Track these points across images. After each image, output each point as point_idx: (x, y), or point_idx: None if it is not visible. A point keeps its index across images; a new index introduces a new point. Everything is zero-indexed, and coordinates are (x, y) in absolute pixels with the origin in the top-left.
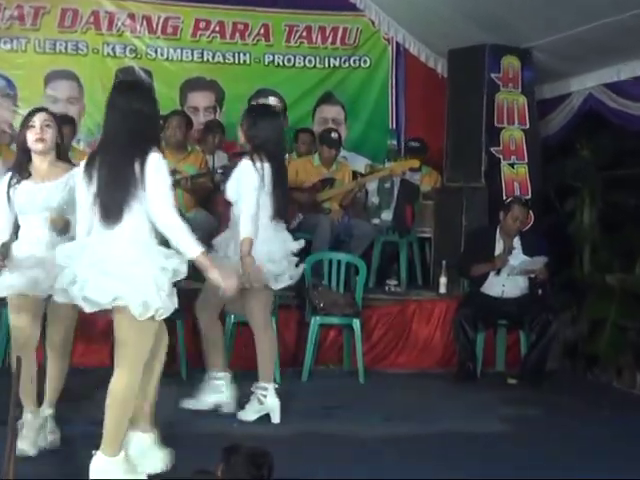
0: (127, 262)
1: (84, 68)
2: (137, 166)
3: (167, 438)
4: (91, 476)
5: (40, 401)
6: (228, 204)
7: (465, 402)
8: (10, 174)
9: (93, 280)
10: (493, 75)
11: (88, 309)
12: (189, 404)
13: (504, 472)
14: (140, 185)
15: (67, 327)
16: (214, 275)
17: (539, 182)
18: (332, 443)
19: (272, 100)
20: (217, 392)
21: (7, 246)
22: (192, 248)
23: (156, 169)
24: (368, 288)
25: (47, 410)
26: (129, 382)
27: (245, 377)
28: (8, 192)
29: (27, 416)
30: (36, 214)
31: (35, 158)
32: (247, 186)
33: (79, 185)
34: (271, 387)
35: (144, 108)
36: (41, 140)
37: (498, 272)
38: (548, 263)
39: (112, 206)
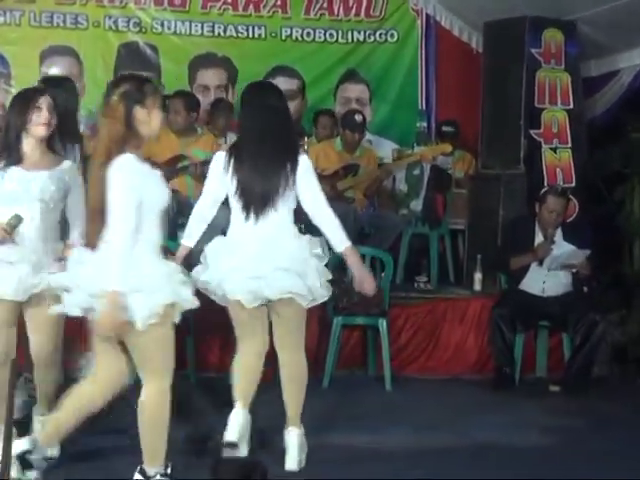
0: (298, 256)
1: (84, 43)
2: (289, 166)
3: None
4: None
5: None
6: None
7: (502, 412)
8: None
9: (271, 276)
10: (533, 50)
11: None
12: None
13: None
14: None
15: (55, 333)
16: (360, 272)
17: (584, 168)
18: (355, 456)
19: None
20: None
21: (19, 219)
22: (344, 241)
23: (307, 170)
24: (395, 285)
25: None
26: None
27: None
28: None
29: None
30: (27, 205)
31: (29, 143)
32: None
33: (214, 175)
34: None
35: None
36: (47, 125)
37: (540, 263)
38: (591, 257)
39: (265, 203)
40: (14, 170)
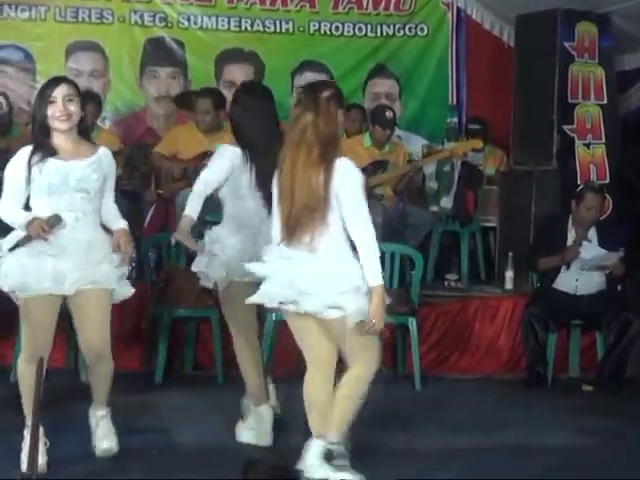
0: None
1: (109, 39)
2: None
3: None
4: None
5: None
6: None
7: (535, 411)
8: (30, 151)
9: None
10: (566, 44)
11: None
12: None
13: None
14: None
15: (106, 326)
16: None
17: (618, 164)
18: (385, 456)
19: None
20: None
21: (59, 219)
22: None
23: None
24: (425, 283)
25: (99, 411)
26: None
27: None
28: (29, 171)
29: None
30: (67, 196)
31: (58, 137)
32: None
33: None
34: None
35: None
36: (66, 117)
37: (568, 266)
38: (625, 255)
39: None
40: (51, 162)
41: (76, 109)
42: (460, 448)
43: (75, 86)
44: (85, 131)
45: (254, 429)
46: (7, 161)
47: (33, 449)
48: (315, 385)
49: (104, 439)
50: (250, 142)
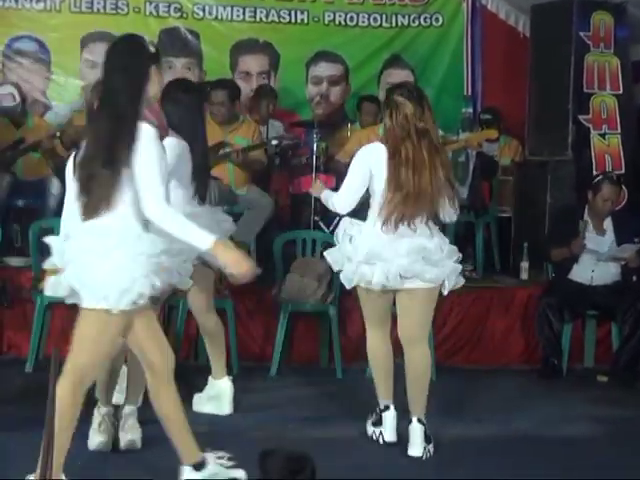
0: None
1: (124, 29)
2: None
3: (212, 437)
4: None
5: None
6: (285, 180)
7: (549, 402)
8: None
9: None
10: (582, 34)
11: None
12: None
13: None
14: None
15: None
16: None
17: (634, 155)
18: (400, 446)
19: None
20: None
21: None
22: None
23: None
24: None
25: (128, 408)
26: None
27: None
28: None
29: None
30: None
31: None
32: None
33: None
34: None
35: None
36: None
37: (576, 260)
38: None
39: None
40: None
41: None
42: (475, 438)
43: None
44: None
45: (214, 399)
46: (22, 152)
47: (47, 450)
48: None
49: (129, 432)
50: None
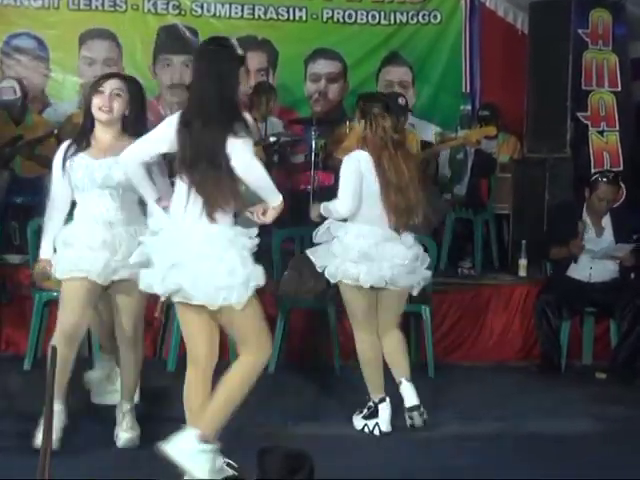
0: None
1: (123, 26)
2: None
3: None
4: None
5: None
6: (284, 177)
7: (548, 399)
8: (67, 144)
9: None
10: (580, 31)
11: None
12: None
13: (590, 479)
14: None
15: (137, 316)
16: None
17: (632, 152)
18: (399, 443)
19: None
20: None
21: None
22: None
23: None
24: (438, 271)
25: (125, 405)
26: None
27: None
28: (64, 164)
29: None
30: (97, 192)
31: (98, 128)
32: None
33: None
34: None
35: None
36: (107, 110)
37: (575, 260)
38: (637, 249)
39: None
40: (80, 157)
41: (119, 105)
42: (473, 435)
43: (126, 83)
44: (131, 128)
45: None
46: (21, 148)
47: (45, 450)
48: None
49: (128, 430)
50: None
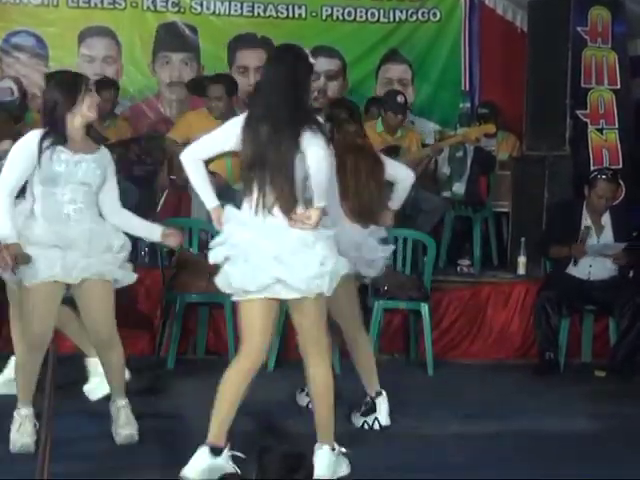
0: None
1: (122, 24)
2: None
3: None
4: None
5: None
6: None
7: (547, 397)
8: (40, 134)
9: None
10: (579, 29)
11: None
12: None
13: (591, 477)
14: None
15: (112, 314)
16: None
17: (632, 149)
18: (396, 441)
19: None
20: None
21: (28, 260)
22: None
23: None
24: (438, 269)
25: (119, 402)
26: None
27: None
28: (40, 156)
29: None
30: (71, 187)
31: (73, 126)
32: None
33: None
34: None
35: None
36: (96, 110)
37: (575, 262)
38: (630, 248)
39: None
40: (61, 151)
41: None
42: (472, 433)
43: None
44: (90, 129)
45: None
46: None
47: (44, 450)
48: None
49: (125, 426)
50: None
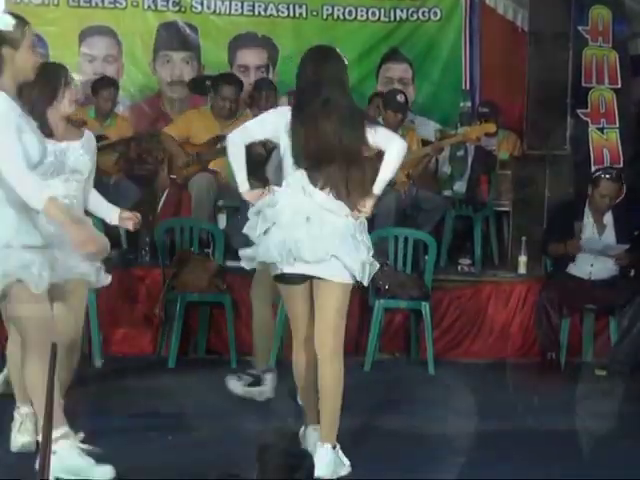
0: None
1: (122, 24)
2: None
3: (209, 432)
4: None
5: None
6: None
7: (548, 396)
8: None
9: None
10: (580, 28)
11: None
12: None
13: (591, 476)
14: None
15: (80, 315)
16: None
17: (632, 149)
18: (397, 440)
19: None
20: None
21: None
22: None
23: None
24: (438, 268)
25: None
26: None
27: None
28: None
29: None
30: (63, 178)
31: (54, 118)
32: None
33: None
34: None
35: None
36: (76, 104)
37: (572, 259)
38: (633, 249)
39: None
40: (47, 142)
41: None
42: (472, 432)
43: None
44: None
45: None
46: None
47: (45, 449)
48: None
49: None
50: None
